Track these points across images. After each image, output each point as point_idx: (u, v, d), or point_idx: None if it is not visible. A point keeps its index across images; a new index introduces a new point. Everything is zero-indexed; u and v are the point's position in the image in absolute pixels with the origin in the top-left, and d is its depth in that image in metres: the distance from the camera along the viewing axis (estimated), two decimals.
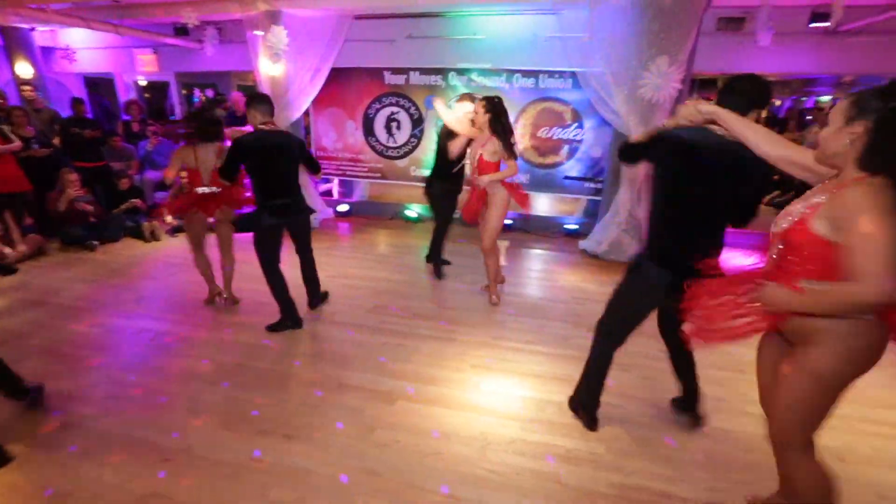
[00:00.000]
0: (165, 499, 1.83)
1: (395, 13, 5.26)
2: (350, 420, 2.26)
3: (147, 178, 5.84)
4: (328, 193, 6.32)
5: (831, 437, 2.21)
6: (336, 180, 6.24)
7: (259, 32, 4.78)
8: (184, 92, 8.48)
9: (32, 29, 6.25)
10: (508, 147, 3.10)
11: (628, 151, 2.04)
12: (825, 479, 1.48)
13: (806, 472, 1.48)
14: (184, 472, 1.95)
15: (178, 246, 4.84)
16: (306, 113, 5.50)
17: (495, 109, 3.10)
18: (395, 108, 5.43)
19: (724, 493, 1.90)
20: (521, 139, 5.13)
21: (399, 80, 5.33)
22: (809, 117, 8.09)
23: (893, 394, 2.59)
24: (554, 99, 4.95)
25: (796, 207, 1.35)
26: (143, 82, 8.25)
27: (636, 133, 4.16)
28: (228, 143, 2.84)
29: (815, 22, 4.44)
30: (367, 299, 3.58)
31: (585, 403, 2.26)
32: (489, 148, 3.12)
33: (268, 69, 4.85)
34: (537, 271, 4.35)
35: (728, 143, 1.66)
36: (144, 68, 7.08)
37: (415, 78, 5.27)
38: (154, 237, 4.96)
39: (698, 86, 10.09)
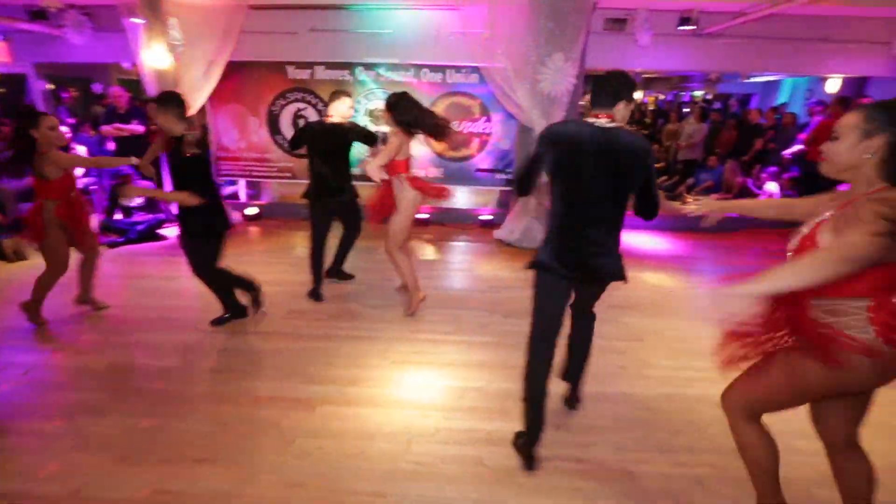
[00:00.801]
0: None
1: (296, 4, 5.02)
2: (267, 433, 2.16)
3: (5, 187, 5.00)
4: (234, 196, 5.91)
5: (710, 388, 2.55)
6: (242, 182, 5.85)
7: (138, 20, 4.30)
8: (50, 87, 7.37)
9: None
10: (404, 127, 2.92)
11: (522, 180, 1.96)
12: (769, 445, 1.59)
13: (750, 437, 1.60)
14: None
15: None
16: (203, 110, 5.08)
17: (390, 108, 2.95)
18: (301, 105, 5.21)
19: (630, 451, 2.10)
20: None
21: (304, 74, 5.11)
22: (686, 110, 9.13)
23: None
24: (462, 93, 5.07)
25: (805, 225, 1.40)
26: None
27: (538, 125, 4.41)
28: (75, 149, 2.54)
29: (683, 25, 5.00)
30: (282, 305, 3.42)
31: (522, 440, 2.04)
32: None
33: (154, 62, 4.39)
34: (455, 263, 4.46)
35: (605, 132, 1.73)
36: None
37: (320, 73, 5.09)
38: (18, 256, 4.28)
39: (592, 81, 10.98)
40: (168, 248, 4.63)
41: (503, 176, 5.30)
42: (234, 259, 3.60)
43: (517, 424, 2.25)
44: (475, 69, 4.88)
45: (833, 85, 6.76)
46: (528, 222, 4.70)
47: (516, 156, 4.99)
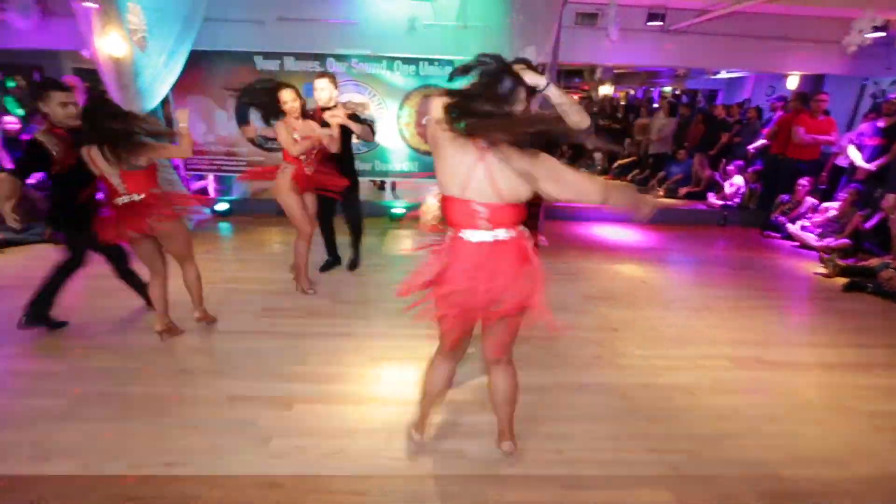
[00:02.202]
0: None
1: None
2: (243, 433, 2.10)
3: None
4: (203, 192, 5.69)
5: (682, 376, 2.63)
6: (211, 177, 5.64)
7: (90, 4, 4.06)
8: None
9: None
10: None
11: None
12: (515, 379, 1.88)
13: (513, 375, 1.88)
14: None
15: (9, 264, 4.00)
16: (166, 102, 4.87)
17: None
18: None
19: (608, 440, 2.14)
20: (407, 127, 5.15)
21: (272, 65, 4.95)
22: (656, 105, 9.34)
23: (723, 333, 3.15)
24: (436, 87, 5.02)
25: None
26: None
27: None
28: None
29: (651, 21, 5.10)
30: (256, 303, 3.32)
31: None
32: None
33: (109, 50, 4.15)
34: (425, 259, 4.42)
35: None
36: None
37: (290, 64, 4.94)
38: None
39: (564, 76, 11.06)
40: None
41: None
42: (204, 257, 3.48)
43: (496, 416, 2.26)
44: (449, 62, 4.84)
45: (793, 82, 7.04)
46: None
47: None
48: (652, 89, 12.69)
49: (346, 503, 1.78)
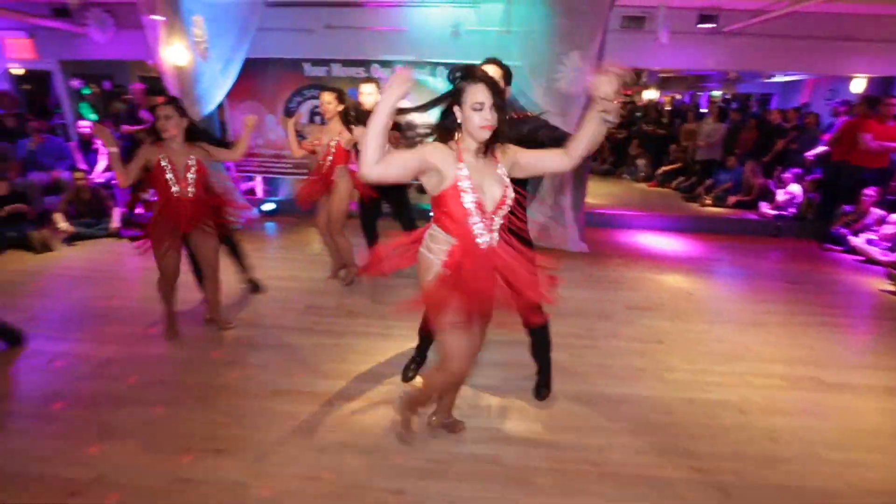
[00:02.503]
0: None
1: (312, 1, 5.04)
2: (286, 427, 2.17)
3: (32, 181, 5.12)
4: (251, 192, 5.96)
5: (731, 393, 2.51)
6: (259, 178, 5.90)
7: (158, 17, 4.35)
8: (73, 84, 7.51)
9: None
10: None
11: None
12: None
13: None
14: (99, 503, 1.76)
15: (79, 256, 4.33)
16: (221, 107, 5.14)
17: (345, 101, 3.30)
18: (318, 102, 5.22)
19: (649, 455, 2.07)
20: None
21: (320, 71, 5.13)
22: (704, 109, 8.98)
23: (777, 350, 2.98)
24: None
25: None
26: (18, 71, 7.18)
27: (556, 123, 4.37)
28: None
29: (703, 23, 4.92)
30: (300, 301, 3.44)
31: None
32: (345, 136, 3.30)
33: (174, 59, 4.44)
34: None
35: None
36: (17, 55, 6.15)
37: (337, 70, 5.11)
38: (46, 247, 4.38)
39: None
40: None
41: None
42: (250, 254, 3.63)
43: (533, 424, 2.24)
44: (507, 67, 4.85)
45: (858, 85, 6.59)
46: (544, 221, 4.67)
47: None
48: (700, 94, 12.21)
49: (386, 501, 1.81)
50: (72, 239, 4.60)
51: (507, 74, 1.98)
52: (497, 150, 1.61)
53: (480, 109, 1.48)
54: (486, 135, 1.51)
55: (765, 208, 5.91)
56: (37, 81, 7.52)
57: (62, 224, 4.61)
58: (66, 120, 6.44)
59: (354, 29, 5.21)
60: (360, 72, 5.07)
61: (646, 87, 10.93)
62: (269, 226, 5.39)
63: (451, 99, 1.53)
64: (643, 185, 7.98)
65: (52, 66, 6.16)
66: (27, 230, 4.40)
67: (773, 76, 9.01)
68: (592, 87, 1.44)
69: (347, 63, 5.09)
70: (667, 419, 2.30)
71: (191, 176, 2.59)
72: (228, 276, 3.57)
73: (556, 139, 1.89)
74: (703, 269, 4.43)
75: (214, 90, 4.74)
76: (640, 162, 8.51)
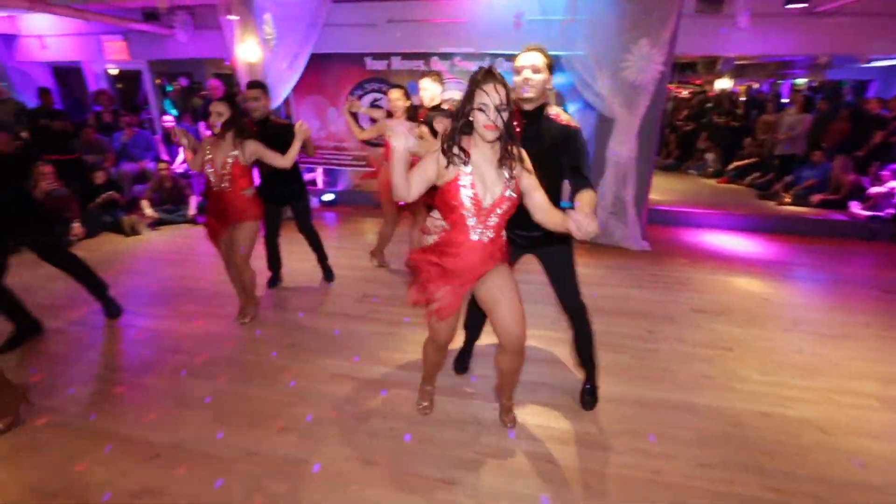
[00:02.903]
0: (158, 494, 1.81)
1: None
2: (342, 410, 2.26)
3: (124, 171, 5.65)
4: (312, 182, 6.21)
5: (813, 410, 2.30)
6: (320, 169, 6.13)
7: (233, 17, 4.62)
8: (157, 81, 8.18)
9: None
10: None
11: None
12: None
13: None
14: (176, 467, 1.93)
15: (161, 240, 4.73)
16: (286, 101, 5.38)
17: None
18: (378, 94, 5.34)
19: (715, 469, 1.95)
20: None
21: (381, 65, 5.23)
22: (785, 100, 8.22)
23: (868, 366, 2.68)
24: None
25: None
26: (114, 71, 7.92)
27: (620, 115, 4.18)
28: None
29: (791, 3, 4.47)
30: (355, 289, 3.55)
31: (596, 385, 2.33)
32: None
33: (246, 56, 4.70)
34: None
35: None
36: (114, 56, 6.78)
37: (397, 63, 5.18)
38: (134, 231, 4.82)
39: (678, 70, 10.11)
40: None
41: None
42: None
43: (589, 426, 2.17)
44: (554, 57, 4.72)
45: None
46: (604, 217, 4.49)
47: (594, 148, 4.75)
48: (780, 82, 11.16)
49: (437, 490, 1.83)
50: (156, 224, 5.03)
51: (551, 64, 1.90)
52: (514, 152, 1.64)
53: (484, 110, 1.54)
54: (491, 135, 1.58)
55: (856, 208, 5.32)
56: (127, 80, 8.26)
57: (148, 210, 5.05)
58: (152, 115, 7.04)
59: (415, 22, 5.25)
60: (419, 65, 5.11)
61: (719, 75, 10.16)
62: (328, 216, 5.59)
63: (467, 99, 1.61)
64: (712, 181, 7.45)
65: (142, 66, 6.74)
66: (119, 215, 4.88)
67: (873, 60, 8.04)
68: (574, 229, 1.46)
69: (407, 56, 5.15)
70: (736, 432, 2.15)
71: (226, 172, 2.71)
72: (294, 265, 3.76)
73: (576, 161, 1.82)
74: (780, 273, 4.08)
75: (281, 85, 4.97)
76: (709, 156, 7.96)
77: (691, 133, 8.38)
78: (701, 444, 2.07)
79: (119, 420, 2.20)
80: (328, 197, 5.90)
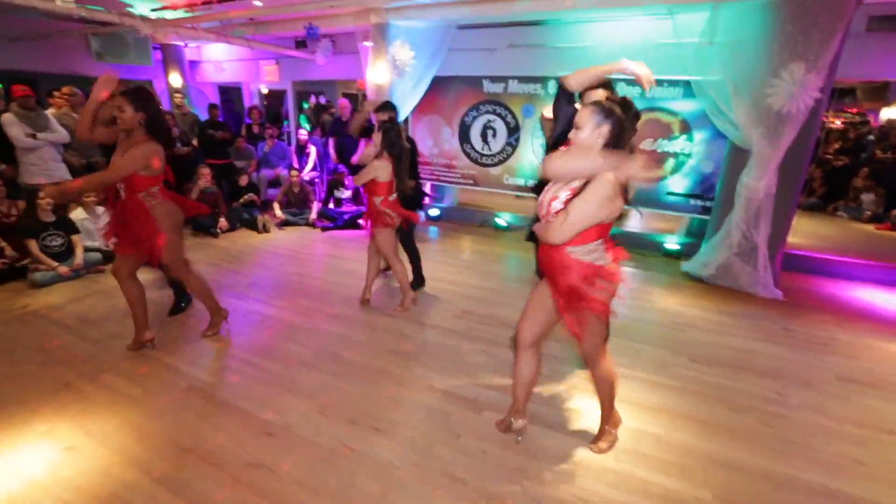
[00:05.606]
0: (268, 470, 1.98)
1: (498, 23, 5.30)
2: (437, 423, 2.29)
3: (262, 175, 6.48)
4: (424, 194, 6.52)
5: None
6: (428, 184, 6.42)
7: (368, 43, 5.09)
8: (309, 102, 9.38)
9: (185, 45, 7.28)
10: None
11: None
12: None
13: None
14: (285, 448, 2.10)
15: (286, 238, 5.30)
16: (405, 120, 5.74)
17: None
18: (491, 116, 5.46)
19: None
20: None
21: (498, 88, 5.35)
22: None
23: None
24: (661, 109, 4.65)
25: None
26: (265, 90, 9.22)
27: (758, 147, 3.75)
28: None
29: None
30: (456, 304, 3.62)
31: None
32: None
33: (376, 78, 5.14)
34: (634, 291, 4.07)
35: None
36: (267, 78, 7.90)
37: (513, 86, 5.26)
38: (265, 229, 5.48)
39: (837, 96, 8.74)
40: (367, 235, 5.36)
41: (700, 202, 4.68)
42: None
43: (702, 490, 1.93)
44: (681, 83, 4.43)
45: None
46: (727, 258, 4.04)
47: (724, 180, 4.32)
48: None
49: None
50: (282, 224, 5.66)
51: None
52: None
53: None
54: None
55: None
56: (274, 97, 9.52)
57: (278, 212, 5.70)
58: (290, 128, 8.01)
59: (535, 47, 5.31)
60: (536, 88, 5.14)
61: (886, 103, 8.66)
62: (433, 230, 5.80)
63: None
64: (869, 227, 6.34)
65: (287, 86, 7.72)
66: (255, 214, 5.58)
67: None
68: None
69: (524, 79, 5.20)
70: None
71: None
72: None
73: None
74: None
75: (404, 105, 5.32)
76: (867, 197, 6.81)
77: (844, 169, 7.24)
78: None
79: (240, 395, 2.47)
80: (434, 211, 6.13)
